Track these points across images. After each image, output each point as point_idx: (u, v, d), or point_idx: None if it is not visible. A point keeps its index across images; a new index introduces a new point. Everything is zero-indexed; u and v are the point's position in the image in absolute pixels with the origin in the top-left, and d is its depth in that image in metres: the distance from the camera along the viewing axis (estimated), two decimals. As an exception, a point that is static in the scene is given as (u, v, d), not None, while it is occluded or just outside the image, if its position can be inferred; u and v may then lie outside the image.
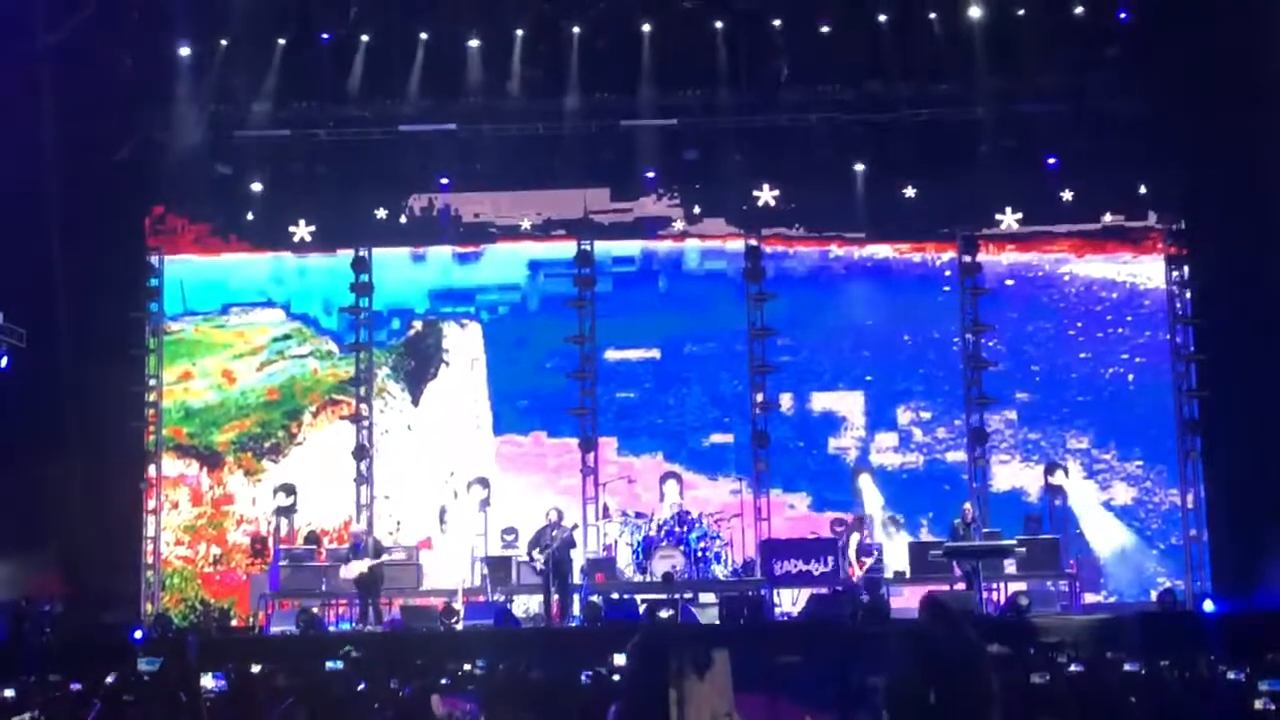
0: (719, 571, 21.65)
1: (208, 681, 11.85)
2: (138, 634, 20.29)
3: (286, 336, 24.68)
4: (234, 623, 21.86)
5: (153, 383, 23.84)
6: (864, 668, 9.66)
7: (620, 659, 12.22)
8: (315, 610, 20.46)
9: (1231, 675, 12.66)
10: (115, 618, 21.32)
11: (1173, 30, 21.92)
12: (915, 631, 8.11)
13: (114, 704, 10.27)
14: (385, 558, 20.70)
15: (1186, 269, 23.66)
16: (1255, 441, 21.31)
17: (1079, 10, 22.54)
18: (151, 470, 23.69)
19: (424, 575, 22.37)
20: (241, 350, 24.61)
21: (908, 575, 21.67)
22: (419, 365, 24.71)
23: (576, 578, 20.96)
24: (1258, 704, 11.45)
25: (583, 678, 12.66)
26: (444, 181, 24.39)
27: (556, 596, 20.27)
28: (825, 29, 22.81)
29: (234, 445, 24.31)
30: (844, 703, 9.90)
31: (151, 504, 23.64)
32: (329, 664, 14.42)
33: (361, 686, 12.49)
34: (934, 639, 7.76)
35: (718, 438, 24.22)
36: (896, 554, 22.38)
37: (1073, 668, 13.29)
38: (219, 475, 24.23)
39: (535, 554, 20.21)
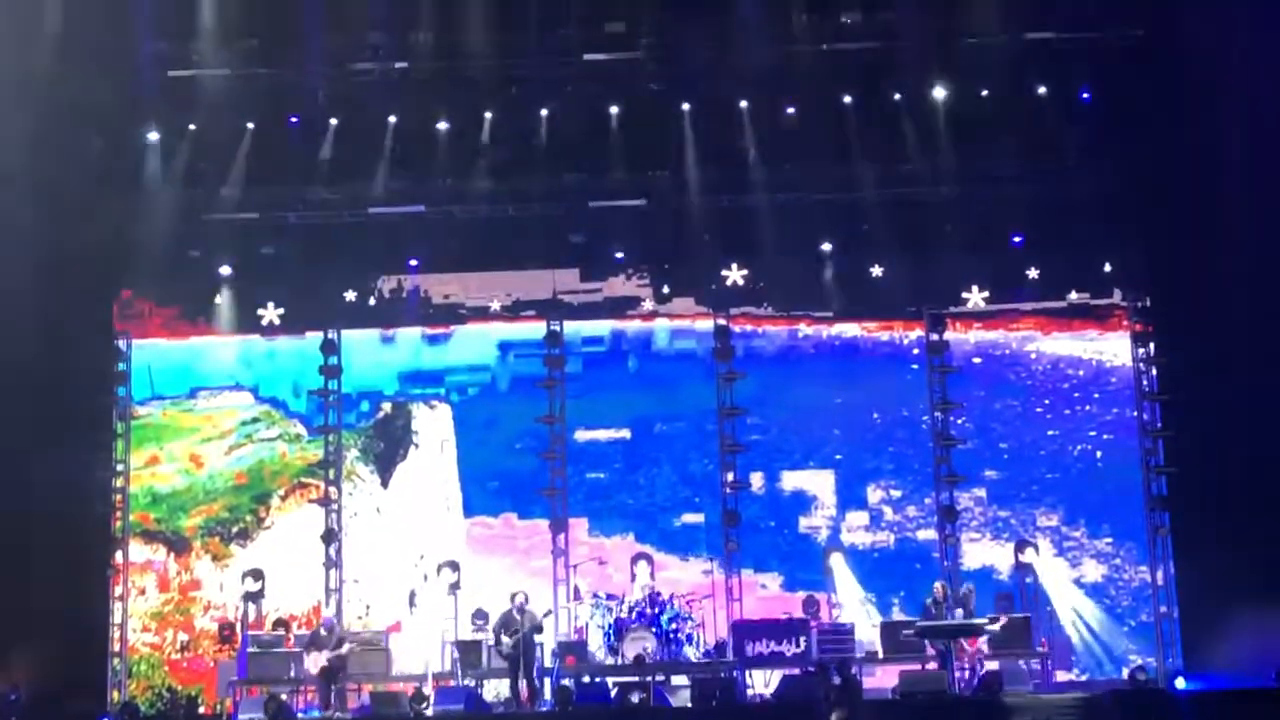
0: (691, 653, 21.53)
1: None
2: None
3: (255, 420, 24.59)
4: (202, 710, 21.63)
5: (120, 468, 23.70)
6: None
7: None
8: (284, 697, 20.21)
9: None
10: (81, 706, 21.07)
11: (1135, 110, 22.20)
12: None
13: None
14: (348, 646, 20.45)
15: (1152, 346, 23.83)
16: (1223, 517, 21.37)
17: (1042, 90, 22.81)
18: (118, 556, 23.51)
19: (393, 660, 22.17)
20: (209, 434, 24.50)
21: (880, 655, 21.59)
22: (388, 447, 24.63)
23: (547, 661, 20.81)
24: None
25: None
26: (413, 263, 24.45)
27: (525, 681, 20.09)
28: (791, 110, 23.05)
29: (201, 530, 24.14)
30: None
31: (118, 590, 23.44)
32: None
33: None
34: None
35: (689, 518, 24.17)
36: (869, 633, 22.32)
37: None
38: (186, 561, 24.05)
39: (503, 637, 20.06)
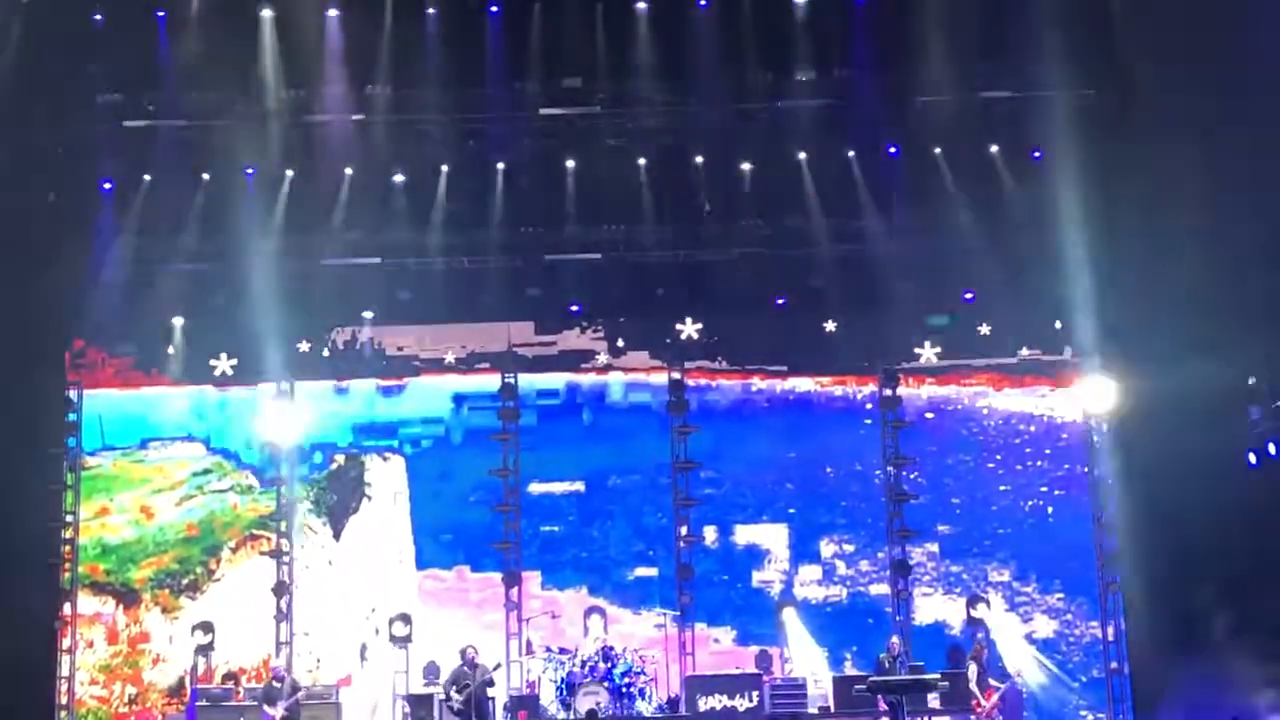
0: (644, 708, 21.47)
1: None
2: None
3: (206, 471, 24.47)
4: (149, 765, 21.41)
5: (69, 519, 23.46)
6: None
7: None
8: (232, 751, 20.07)
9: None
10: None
11: (1085, 169, 22.44)
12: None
13: None
14: (302, 692, 20.35)
15: (1103, 402, 23.99)
16: (1174, 573, 21.50)
17: (994, 148, 23.08)
18: (67, 608, 23.26)
19: (343, 713, 21.97)
20: (160, 485, 24.36)
21: (832, 709, 21.56)
22: (341, 499, 24.56)
23: (499, 716, 20.70)
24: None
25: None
26: (367, 315, 24.47)
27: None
28: (746, 166, 23.23)
29: (151, 582, 23.97)
30: None
31: (66, 643, 23.17)
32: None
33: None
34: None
35: (642, 571, 24.17)
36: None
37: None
38: (135, 613, 23.86)
39: (454, 693, 19.94)
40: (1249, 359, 21.09)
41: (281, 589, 23.44)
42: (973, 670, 20.70)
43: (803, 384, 24.80)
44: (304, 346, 24.21)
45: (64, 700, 22.91)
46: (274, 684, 20.37)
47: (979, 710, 20.53)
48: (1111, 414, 23.42)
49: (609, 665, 21.49)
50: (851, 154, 23.21)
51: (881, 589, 23.89)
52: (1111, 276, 22.50)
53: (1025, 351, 24.49)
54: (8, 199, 21.02)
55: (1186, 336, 20.66)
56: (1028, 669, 23.59)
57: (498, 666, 21.01)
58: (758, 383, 24.81)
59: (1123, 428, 23.33)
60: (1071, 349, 24.29)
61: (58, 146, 22.29)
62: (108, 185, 23.06)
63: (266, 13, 22.11)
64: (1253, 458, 21.26)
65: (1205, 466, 21.06)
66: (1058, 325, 24.23)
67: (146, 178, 22.95)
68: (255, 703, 20.59)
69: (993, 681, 20.61)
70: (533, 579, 23.92)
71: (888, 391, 24.06)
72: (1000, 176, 23.18)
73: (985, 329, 24.18)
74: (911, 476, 23.93)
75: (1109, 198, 22.14)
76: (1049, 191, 23.02)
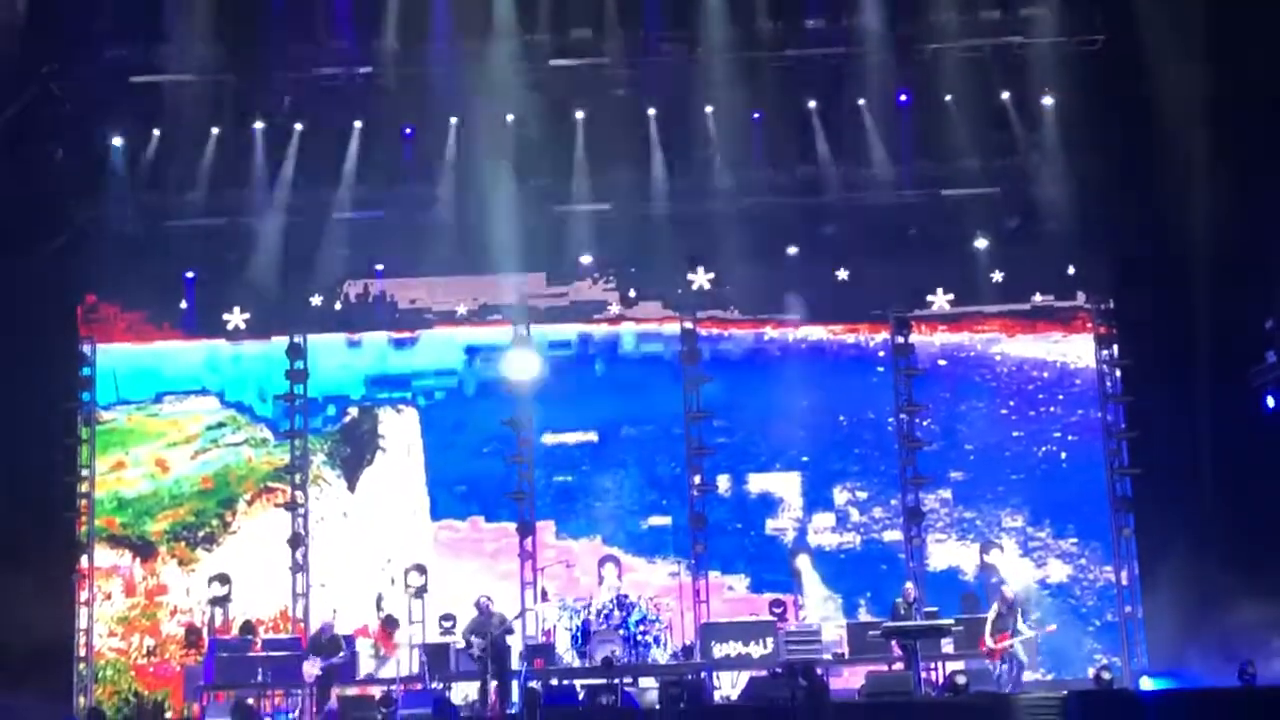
0: (658, 655, 21.58)
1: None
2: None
3: (221, 425, 24.55)
4: (168, 715, 21.58)
5: (85, 473, 23.62)
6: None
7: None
8: (250, 702, 20.20)
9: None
10: (47, 711, 21.00)
11: (1100, 113, 22.36)
12: None
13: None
14: (342, 654, 20.54)
15: (1115, 347, 24.00)
16: (1187, 517, 21.55)
17: (1005, 95, 22.99)
18: (84, 561, 23.44)
19: (360, 664, 22.16)
20: (175, 439, 24.45)
21: (846, 655, 21.67)
22: (355, 452, 24.62)
23: (515, 663, 20.83)
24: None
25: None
26: (379, 268, 24.48)
27: (495, 684, 20.10)
28: (756, 115, 23.14)
29: (168, 535, 24.09)
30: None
31: (84, 595, 23.36)
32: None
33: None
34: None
35: (655, 520, 24.22)
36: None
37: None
38: (152, 565, 23.99)
39: (474, 640, 20.06)
40: (1265, 302, 21.06)
41: (297, 541, 23.60)
42: (993, 610, 20.79)
43: (815, 333, 24.76)
44: (316, 300, 24.20)
45: (82, 652, 23.13)
46: (322, 639, 20.51)
47: (983, 647, 20.63)
48: (1125, 359, 23.44)
49: (624, 614, 21.58)
50: (862, 102, 23.10)
51: (895, 536, 23.97)
52: (1124, 220, 22.45)
53: (1038, 297, 24.43)
54: (16, 156, 21.05)
55: (1200, 278, 20.63)
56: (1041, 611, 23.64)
57: (518, 616, 21.16)
58: (770, 332, 24.78)
59: (1136, 372, 23.35)
60: (1084, 294, 24.28)
61: (65, 103, 22.30)
62: (117, 141, 23.03)
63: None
64: (1270, 401, 21.24)
65: (1219, 410, 21.10)
66: (1070, 270, 24.19)
67: (156, 133, 22.92)
68: (291, 653, 20.73)
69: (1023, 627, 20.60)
70: (547, 529, 24.01)
71: (900, 339, 24.10)
72: (1011, 123, 23.06)
73: (998, 275, 24.09)
74: (924, 424, 23.98)
75: (1120, 143, 22.07)
76: (1060, 137, 22.99)
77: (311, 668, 20.17)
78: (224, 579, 23.23)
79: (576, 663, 21.32)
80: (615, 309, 24.82)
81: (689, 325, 24.19)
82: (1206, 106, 20.36)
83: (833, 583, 23.91)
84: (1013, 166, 23.29)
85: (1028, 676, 21.68)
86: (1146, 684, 21.00)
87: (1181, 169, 20.69)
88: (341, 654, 20.48)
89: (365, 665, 22.31)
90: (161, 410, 24.53)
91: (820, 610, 23.47)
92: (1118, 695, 19.72)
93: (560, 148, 23.32)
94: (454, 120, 23.22)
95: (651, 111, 23.30)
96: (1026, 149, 23.11)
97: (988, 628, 20.60)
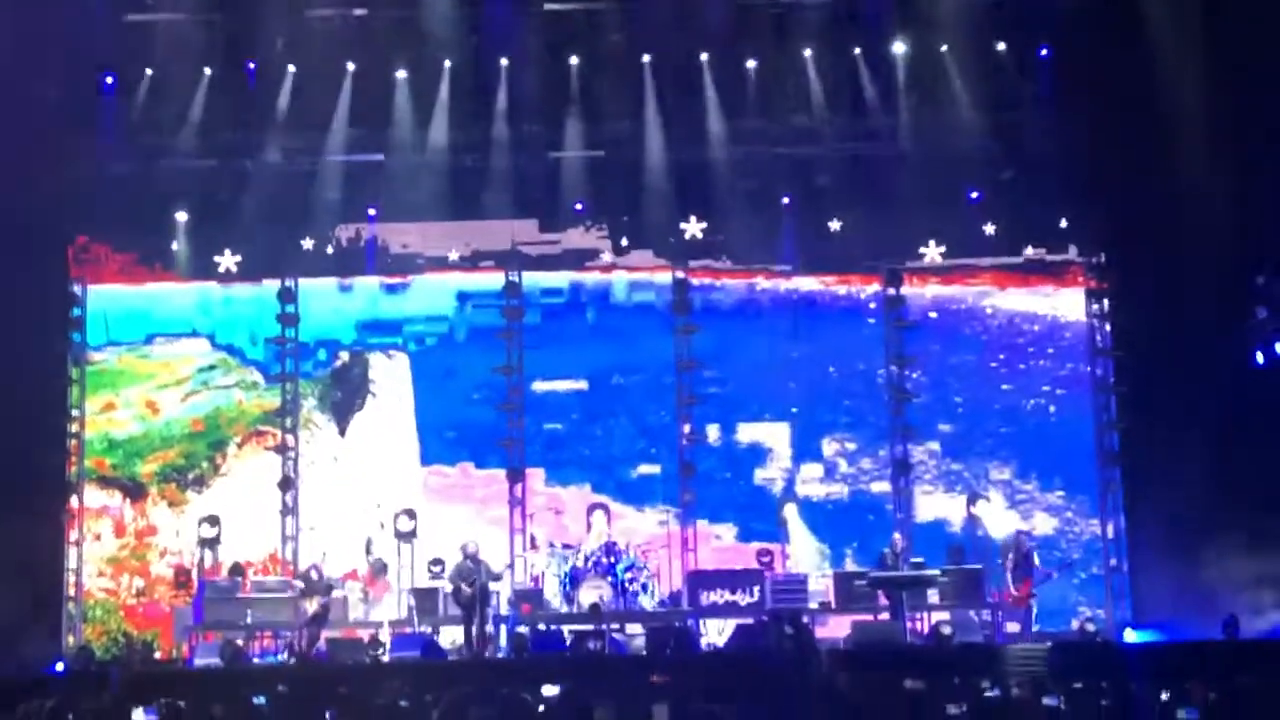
0: (646, 602, 21.71)
1: (139, 716, 11.72)
2: (59, 666, 20.14)
3: (211, 367, 24.52)
4: (157, 655, 21.64)
5: (75, 414, 23.62)
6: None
7: (549, 690, 12.23)
8: (239, 643, 20.29)
9: (1150, 704, 12.81)
10: (35, 650, 21.05)
11: (1093, 66, 22.29)
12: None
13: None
14: (335, 591, 20.65)
15: (1106, 302, 24.02)
16: (1173, 472, 21.61)
17: (1001, 46, 22.92)
18: (74, 502, 23.46)
19: (350, 607, 22.23)
20: (166, 381, 24.43)
21: (832, 605, 21.77)
22: (345, 396, 24.62)
23: (503, 609, 20.92)
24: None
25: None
26: (371, 212, 24.40)
27: (480, 628, 20.17)
28: (752, 63, 23.07)
29: (158, 476, 24.10)
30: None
31: (73, 536, 23.40)
32: (255, 699, 14.27)
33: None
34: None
35: (645, 469, 24.26)
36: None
37: (991, 695, 13.40)
38: (142, 507, 24.01)
39: (463, 586, 20.13)
40: (1257, 258, 21.06)
41: (287, 484, 23.64)
42: (1010, 560, 20.94)
43: (806, 283, 24.73)
44: (308, 244, 24.13)
45: (71, 592, 23.18)
46: (312, 576, 20.64)
47: (1008, 598, 20.79)
48: (1116, 313, 23.49)
49: (612, 561, 21.70)
50: (858, 51, 23.03)
51: (883, 487, 24.04)
52: (1118, 174, 22.42)
53: (1030, 251, 24.42)
54: (6, 95, 20.92)
55: (1193, 233, 20.62)
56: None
57: (508, 566, 21.30)
58: (762, 282, 24.75)
59: (1127, 327, 23.38)
60: (1077, 248, 24.28)
61: (57, 42, 22.14)
62: (110, 80, 22.92)
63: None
64: (1260, 357, 21.26)
65: (1209, 365, 21.13)
66: (1063, 224, 24.16)
67: (148, 72, 22.81)
68: (284, 595, 20.82)
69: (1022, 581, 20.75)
70: (536, 476, 24.05)
71: (892, 291, 24.12)
72: (1007, 74, 23.00)
73: (990, 228, 24.08)
74: (914, 376, 24.03)
75: (1115, 96, 22.01)
76: (1056, 90, 22.94)
77: (310, 605, 20.24)
78: (213, 521, 23.27)
79: (564, 609, 21.44)
80: (607, 257, 24.76)
81: (681, 274, 24.17)
82: (1205, 60, 20.32)
83: (820, 533, 23.98)
84: (1008, 119, 23.22)
85: (1012, 628, 21.87)
86: (1130, 636, 21.11)
87: (1178, 123, 20.66)
88: (335, 593, 20.58)
89: (354, 609, 22.35)
90: (152, 352, 24.49)
91: (807, 560, 23.55)
92: (1101, 647, 19.84)
93: (554, 93, 23.23)
94: (448, 64, 23.10)
95: (646, 58, 23.20)
96: (1022, 101, 23.07)
97: (1008, 577, 20.80)
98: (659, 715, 7.59)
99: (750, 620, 20.75)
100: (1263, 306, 21.24)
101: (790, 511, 23.92)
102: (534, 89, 23.26)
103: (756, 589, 21.55)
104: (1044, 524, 23.89)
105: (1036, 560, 21.14)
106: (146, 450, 24.18)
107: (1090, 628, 20.73)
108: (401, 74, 23.13)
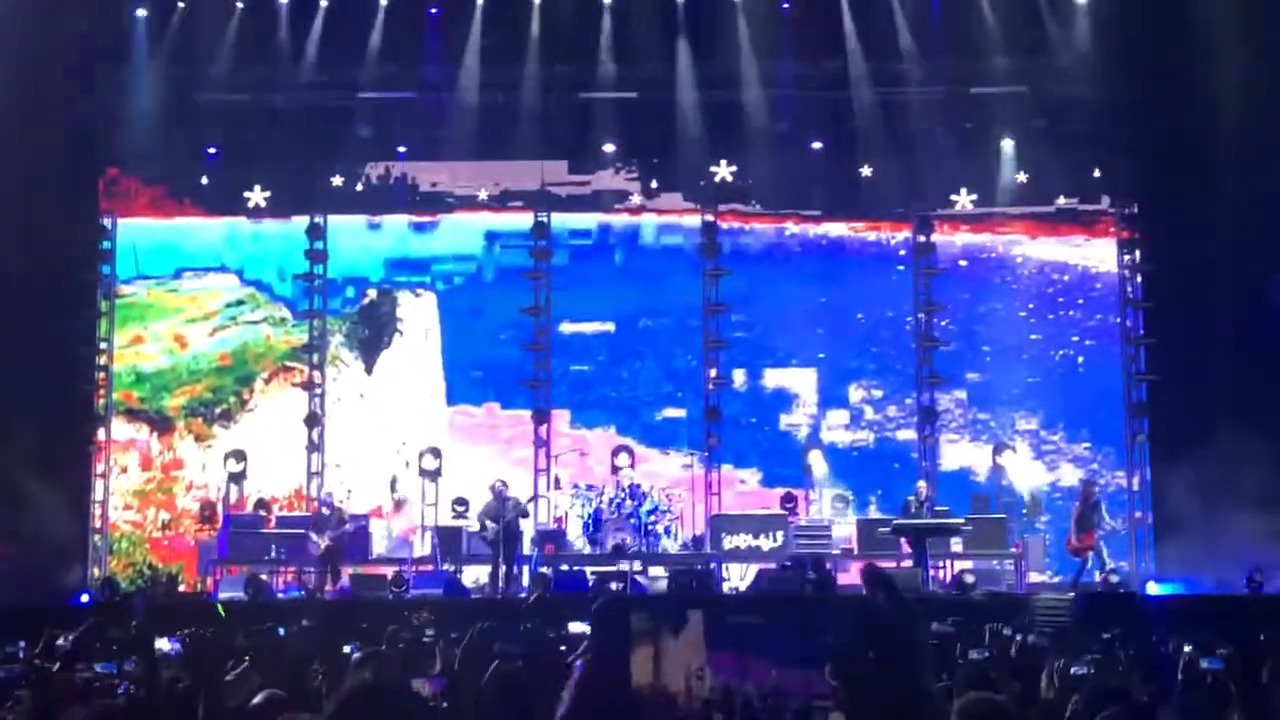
0: (669, 545, 21.75)
1: (163, 644, 11.77)
2: (84, 597, 20.29)
3: (240, 302, 24.56)
4: (182, 588, 21.80)
5: (104, 346, 23.72)
6: (824, 627, 9.86)
7: (575, 627, 12.28)
8: (264, 577, 20.42)
9: (1173, 655, 12.78)
10: (61, 581, 21.23)
11: (1129, 15, 22.07)
12: (859, 600, 8.25)
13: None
14: (349, 525, 20.75)
15: (1138, 253, 23.87)
16: (1201, 425, 21.50)
17: (1038, -8, 22.75)
18: (101, 434, 23.58)
19: (374, 544, 22.35)
20: (194, 315, 24.48)
21: (855, 551, 21.78)
22: (373, 334, 24.64)
23: (526, 548, 21.00)
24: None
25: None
26: (401, 150, 24.33)
27: (507, 568, 20.28)
28: (786, 5, 22.89)
29: (185, 410, 24.19)
30: (807, 660, 10.07)
31: (100, 468, 23.54)
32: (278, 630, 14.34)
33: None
34: (874, 605, 7.94)
35: (670, 412, 24.25)
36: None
37: (1015, 643, 13.37)
38: (169, 440, 24.11)
39: (488, 524, 20.22)
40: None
41: (313, 420, 23.72)
42: (1076, 508, 20.98)
43: (836, 229, 24.62)
44: (337, 180, 24.11)
45: (97, 524, 23.33)
46: (323, 512, 20.74)
47: (1069, 546, 21.00)
48: (1147, 264, 23.34)
49: (635, 503, 21.72)
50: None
51: (908, 435, 23.99)
52: (1152, 125, 22.23)
53: (1062, 200, 24.25)
54: (40, 25, 20.89)
55: (1225, 185, 20.45)
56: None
57: (531, 499, 21.34)
58: (791, 227, 24.63)
59: (1157, 278, 23.23)
60: (1109, 198, 24.10)
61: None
62: (141, 12, 22.86)
63: None
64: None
65: (1239, 318, 21.01)
66: (1096, 174, 23.97)
67: (181, 4, 22.75)
68: (303, 530, 20.94)
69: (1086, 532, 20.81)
70: (562, 417, 24.08)
71: (922, 238, 24.02)
72: (1043, 21, 22.78)
73: (1022, 176, 23.92)
74: (942, 324, 23.94)
75: (1150, 46, 21.79)
76: (1092, 37, 22.71)
77: (321, 540, 20.37)
78: (240, 456, 23.40)
79: (587, 550, 21.50)
80: (636, 199, 24.67)
81: (710, 218, 24.09)
82: (1243, 9, 20.10)
83: (844, 479, 23.93)
84: (1042, 66, 23.00)
85: (1035, 578, 21.87)
86: (1153, 589, 21.09)
87: (1214, 75, 20.46)
88: (347, 526, 20.66)
89: (378, 546, 22.47)
90: (181, 286, 24.53)
91: (831, 506, 23.54)
92: (1124, 599, 19.82)
93: (587, 34, 23.09)
94: (480, 1, 22.96)
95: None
96: (1057, 48, 22.85)
97: (1073, 526, 20.85)
98: (694, 619, 7.69)
99: (773, 565, 20.77)
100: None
101: (815, 458, 23.88)
102: (566, 29, 23.11)
103: (780, 534, 21.57)
104: (1070, 475, 23.79)
105: (1104, 511, 21.13)
106: (174, 384, 24.26)
107: (1114, 579, 20.71)
108: (433, 10, 22.99)
